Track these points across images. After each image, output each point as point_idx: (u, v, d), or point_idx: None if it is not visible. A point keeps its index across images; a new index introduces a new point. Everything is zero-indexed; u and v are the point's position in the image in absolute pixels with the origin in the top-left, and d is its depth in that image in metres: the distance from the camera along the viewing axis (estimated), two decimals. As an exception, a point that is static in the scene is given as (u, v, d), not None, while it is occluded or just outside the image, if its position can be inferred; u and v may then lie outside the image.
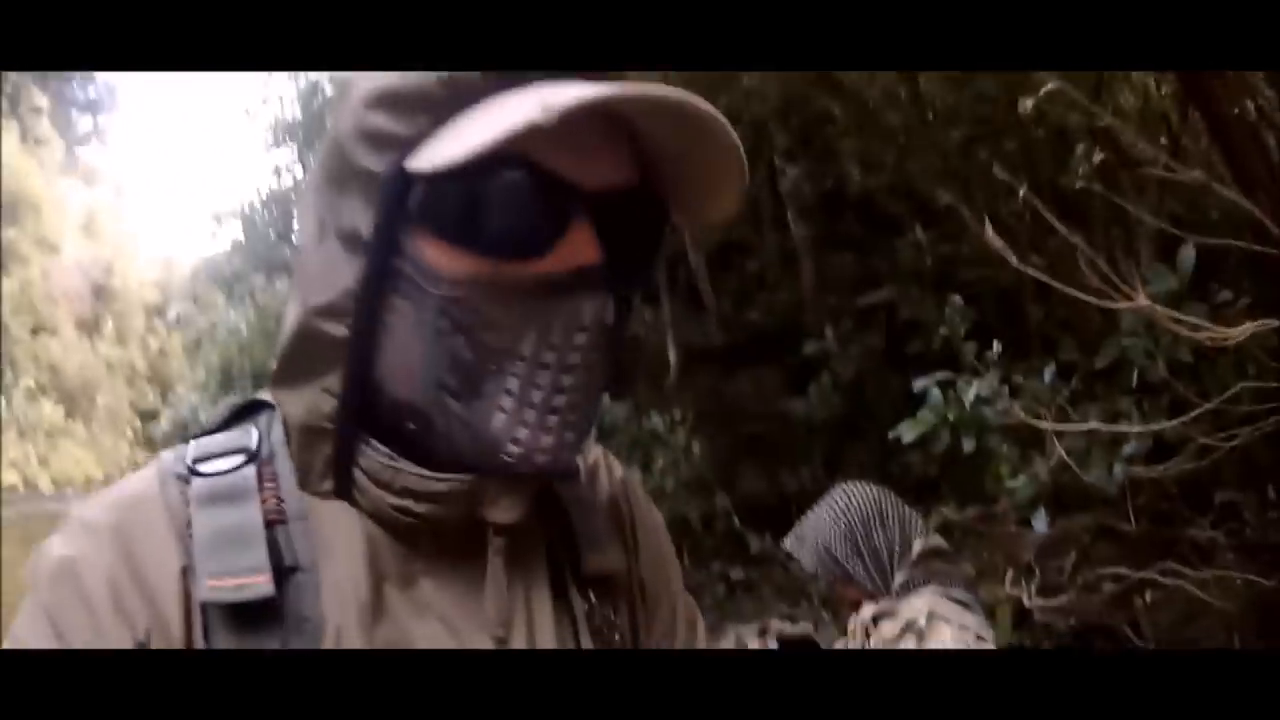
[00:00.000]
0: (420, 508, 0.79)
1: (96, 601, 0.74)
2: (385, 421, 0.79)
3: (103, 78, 33.77)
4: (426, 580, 0.81)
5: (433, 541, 0.81)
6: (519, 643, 0.82)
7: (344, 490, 0.80)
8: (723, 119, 0.73)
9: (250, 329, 12.62)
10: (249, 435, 0.85)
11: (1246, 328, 2.29)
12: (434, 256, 0.74)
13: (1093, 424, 2.89)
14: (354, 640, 0.76)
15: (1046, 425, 2.86)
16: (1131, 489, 3.09)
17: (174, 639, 0.75)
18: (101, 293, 30.47)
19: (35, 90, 29.32)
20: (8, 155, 26.02)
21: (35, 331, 27.46)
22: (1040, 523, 3.00)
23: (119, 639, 0.73)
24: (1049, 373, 3.10)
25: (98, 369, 29.43)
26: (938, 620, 2.35)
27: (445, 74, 0.73)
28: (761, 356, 7.53)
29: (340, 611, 0.77)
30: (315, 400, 0.80)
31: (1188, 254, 2.65)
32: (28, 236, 27.74)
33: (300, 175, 12.66)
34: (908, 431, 3.06)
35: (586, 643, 0.86)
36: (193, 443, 0.85)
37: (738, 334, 8.01)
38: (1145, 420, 2.91)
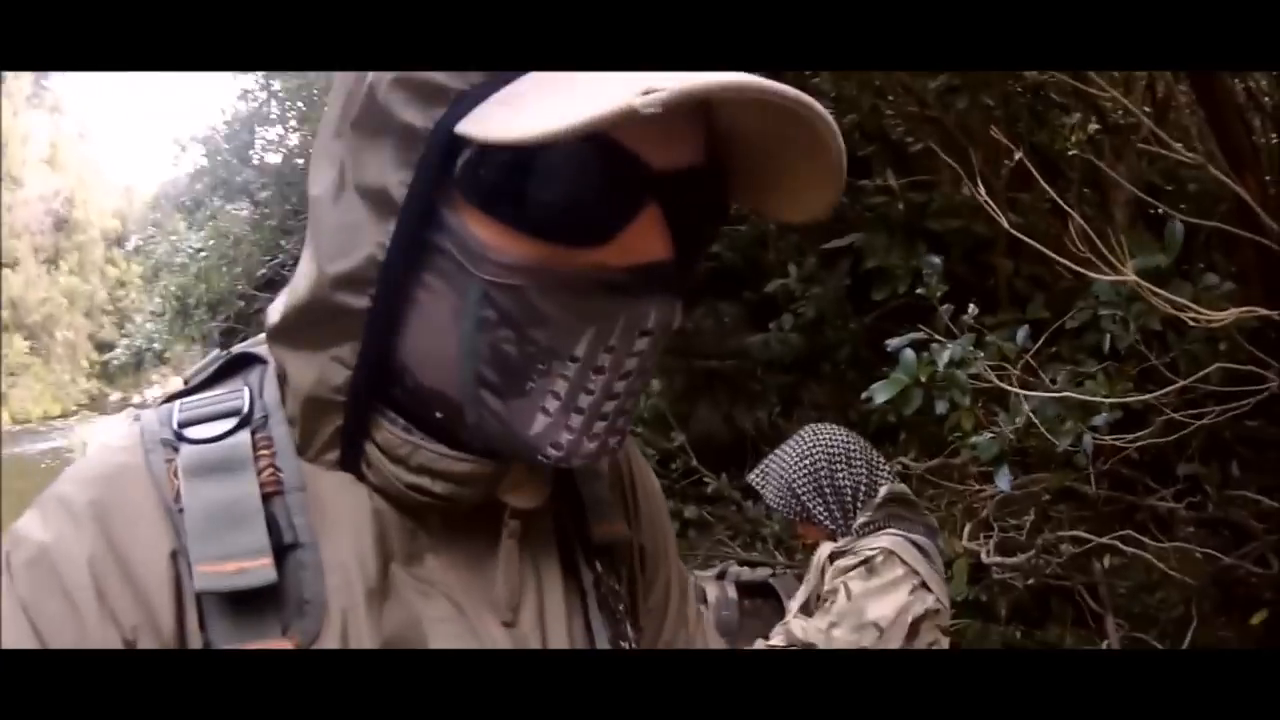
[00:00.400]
0: (437, 487, 0.74)
1: (78, 595, 0.67)
2: (404, 402, 0.74)
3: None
4: (432, 558, 0.76)
5: (441, 519, 0.77)
6: (528, 622, 0.78)
7: (352, 463, 0.76)
8: (829, 120, 0.65)
9: (209, 254, 12.45)
10: (240, 395, 0.78)
11: (1231, 313, 2.25)
12: (483, 234, 0.67)
13: (1066, 392, 2.86)
14: (361, 622, 0.71)
15: (1021, 391, 2.82)
16: (1094, 453, 3.06)
17: (164, 631, 0.68)
18: (63, 225, 30.06)
19: None
20: None
21: None
22: (1004, 480, 2.98)
23: (104, 637, 0.67)
24: (1021, 333, 3.05)
25: (57, 303, 29.10)
26: (893, 558, 2.36)
27: None
28: (722, 292, 7.45)
29: (346, 593, 0.72)
30: (325, 369, 0.73)
31: (1176, 230, 2.59)
32: None
33: (263, 96, 12.46)
34: (880, 392, 3.01)
35: (594, 614, 0.83)
36: (177, 403, 0.78)
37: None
38: (1112, 385, 2.87)
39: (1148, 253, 2.59)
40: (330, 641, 0.70)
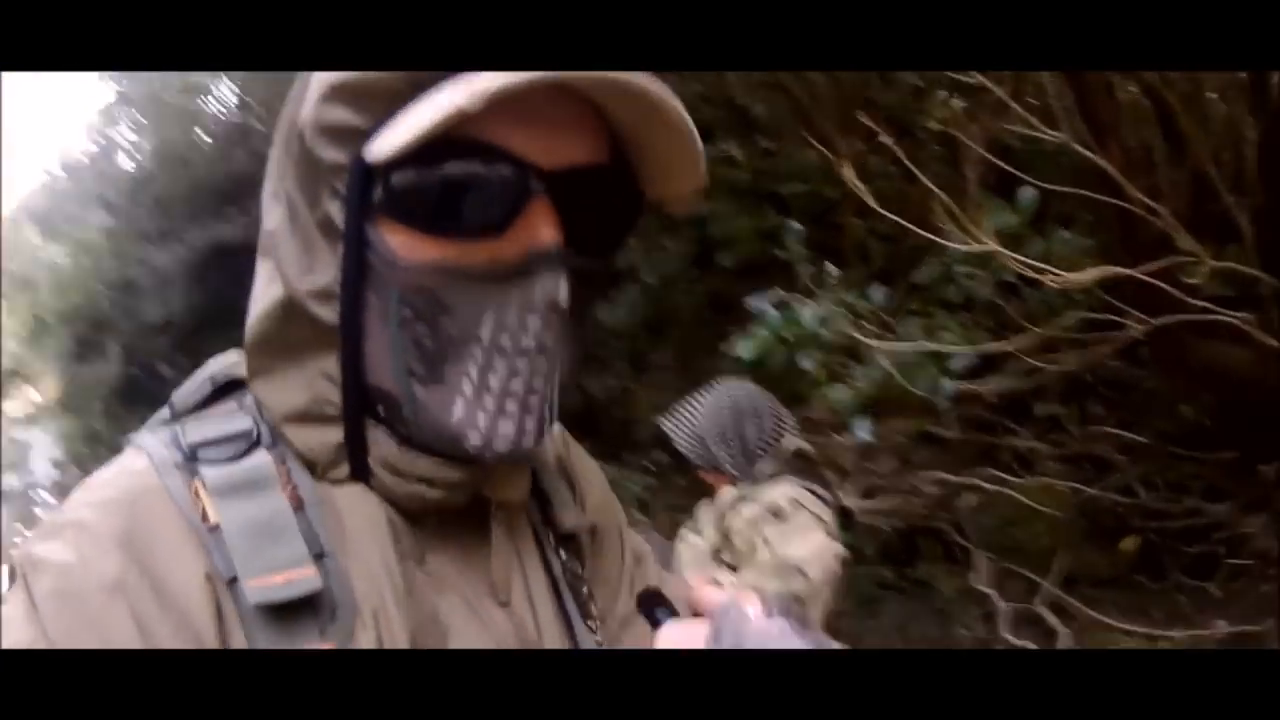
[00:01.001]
0: (433, 494, 0.78)
1: (114, 626, 0.66)
2: (367, 407, 0.78)
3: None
4: (433, 556, 0.80)
5: (436, 518, 0.81)
6: (519, 602, 0.84)
7: (361, 472, 0.78)
8: (666, 94, 0.71)
9: (70, 267, 12.07)
10: (243, 418, 0.80)
11: (1090, 274, 2.33)
12: (396, 243, 0.73)
13: (926, 344, 2.94)
14: (392, 621, 0.74)
15: (884, 345, 2.91)
16: (951, 399, 3.18)
17: None
18: None
19: None
20: None
21: None
22: (863, 430, 3.07)
23: None
24: (880, 293, 3.14)
25: None
26: (800, 506, 2.45)
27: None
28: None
29: (375, 594, 0.74)
30: (316, 388, 0.78)
31: (1027, 194, 2.70)
32: None
33: (119, 109, 12.07)
34: (745, 350, 3.08)
35: (568, 598, 0.88)
36: (178, 428, 0.80)
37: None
38: (967, 333, 2.99)
39: (1001, 214, 2.69)
40: (365, 642, 0.73)
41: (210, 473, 0.75)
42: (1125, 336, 2.80)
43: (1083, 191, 2.90)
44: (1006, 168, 3.03)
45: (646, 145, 0.77)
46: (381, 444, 0.78)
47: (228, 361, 0.86)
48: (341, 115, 0.72)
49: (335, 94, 0.73)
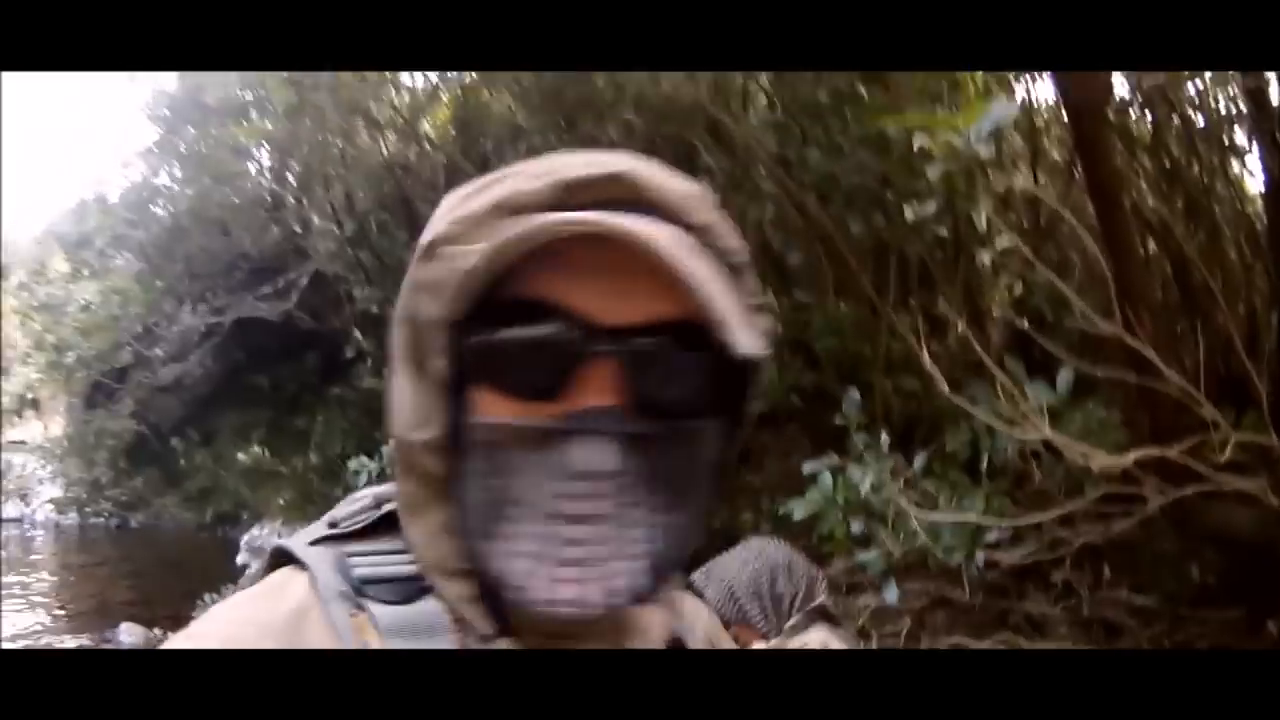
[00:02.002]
0: (566, 643, 0.76)
1: None
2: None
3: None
4: None
5: None
6: None
7: (504, 629, 0.77)
8: (644, 236, 0.69)
9: (97, 310, 12.10)
10: (410, 561, 0.80)
11: (1130, 456, 2.42)
12: (478, 400, 0.74)
13: (970, 516, 3.04)
14: None
15: (932, 516, 2.98)
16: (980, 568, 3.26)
17: None
18: None
19: None
20: None
21: None
22: (891, 594, 3.15)
23: None
24: (919, 459, 3.25)
25: None
26: (834, 646, 2.49)
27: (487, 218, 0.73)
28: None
29: None
30: (440, 545, 0.77)
31: (1066, 376, 2.83)
32: None
33: (161, 157, 12.15)
34: (798, 509, 3.18)
35: None
36: (354, 558, 0.80)
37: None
38: (991, 501, 3.08)
39: (1042, 392, 2.79)
40: None
41: (380, 610, 0.75)
42: (1147, 510, 2.88)
43: (1119, 374, 2.99)
44: (1031, 331, 3.17)
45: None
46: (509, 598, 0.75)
47: (394, 491, 0.85)
48: (436, 272, 0.74)
49: (429, 252, 0.75)
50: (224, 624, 0.74)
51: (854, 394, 3.42)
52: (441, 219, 0.76)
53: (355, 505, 0.85)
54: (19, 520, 14.98)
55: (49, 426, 16.12)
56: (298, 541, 0.82)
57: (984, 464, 3.20)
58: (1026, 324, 3.05)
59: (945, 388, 2.80)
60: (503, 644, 0.76)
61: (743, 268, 0.80)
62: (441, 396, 0.75)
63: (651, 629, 0.83)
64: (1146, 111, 4.20)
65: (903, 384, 4.79)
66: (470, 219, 0.74)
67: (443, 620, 0.76)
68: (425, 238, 0.76)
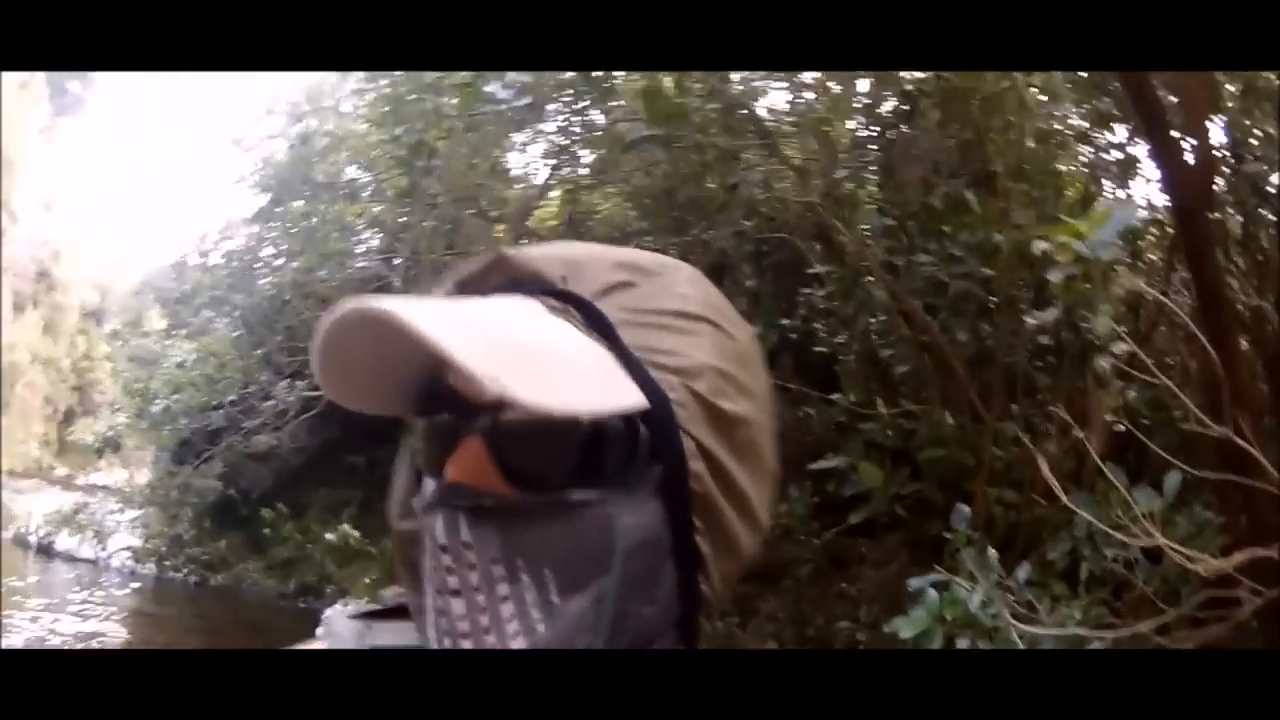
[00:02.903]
0: None
1: None
2: None
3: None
4: None
5: None
6: None
7: None
8: (375, 311, 0.68)
9: (193, 368, 12.38)
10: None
11: (1235, 559, 2.41)
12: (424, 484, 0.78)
13: (1071, 629, 3.04)
14: None
15: (1036, 630, 2.98)
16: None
17: None
18: (44, 277, 29.27)
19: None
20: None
21: None
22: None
23: None
24: (1023, 572, 3.23)
25: (23, 354, 28.04)
26: None
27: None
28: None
29: None
30: (419, 623, 0.80)
31: (1173, 481, 2.82)
32: None
33: (267, 227, 12.49)
34: (905, 629, 3.18)
35: None
36: (370, 629, 0.88)
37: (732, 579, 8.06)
38: (1088, 611, 3.05)
39: (1148, 499, 2.78)
40: None
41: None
42: (1242, 614, 2.83)
43: (1225, 476, 2.98)
44: (1148, 442, 3.15)
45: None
46: None
47: None
48: None
49: None
50: None
51: (964, 509, 3.44)
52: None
53: (394, 589, 0.91)
54: (93, 562, 15.27)
55: (134, 475, 16.45)
56: (337, 612, 0.88)
57: (1083, 573, 3.17)
58: (1131, 429, 3.06)
59: (1063, 496, 2.81)
60: None
61: (655, 327, 0.78)
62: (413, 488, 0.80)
63: None
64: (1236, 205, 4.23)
65: (1003, 495, 4.77)
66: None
67: None
68: None
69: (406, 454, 0.83)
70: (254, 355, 11.93)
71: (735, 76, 5.74)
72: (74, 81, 30.63)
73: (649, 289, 0.79)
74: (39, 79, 27.53)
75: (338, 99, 12.40)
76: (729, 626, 6.59)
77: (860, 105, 5.83)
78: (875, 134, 5.96)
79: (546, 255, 0.81)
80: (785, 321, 6.61)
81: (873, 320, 5.66)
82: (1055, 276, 2.58)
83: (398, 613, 0.88)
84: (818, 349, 6.36)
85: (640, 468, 0.75)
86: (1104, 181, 5.44)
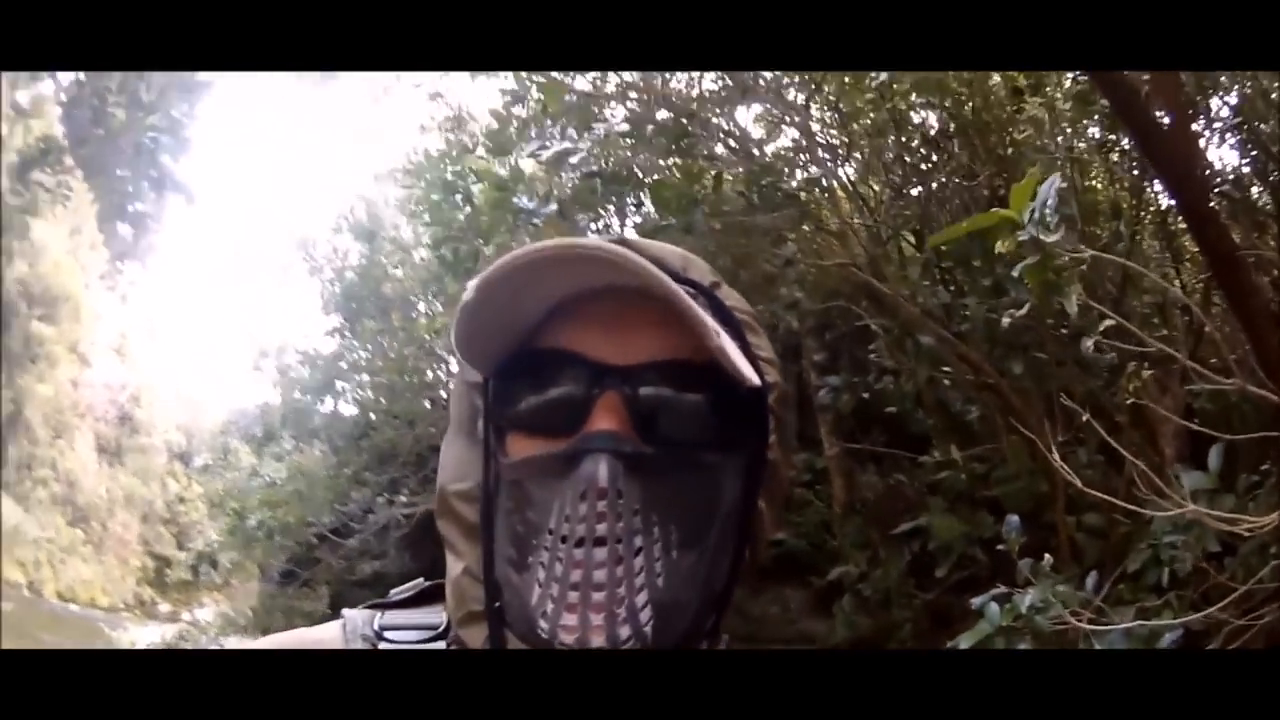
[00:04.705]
0: None
1: None
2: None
3: (150, 193, 33.26)
4: None
5: None
6: None
7: None
8: (635, 262, 0.75)
9: (285, 485, 12.51)
10: (438, 615, 0.90)
11: (1276, 515, 2.41)
12: (509, 444, 0.83)
13: (1140, 622, 3.05)
14: None
15: (1092, 627, 3.00)
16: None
17: None
18: (126, 421, 29.99)
19: (84, 187, 28.16)
20: (55, 248, 25.68)
21: (56, 438, 26.81)
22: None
23: None
24: (1090, 580, 3.25)
25: (115, 495, 28.68)
26: None
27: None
28: (787, 578, 7.54)
29: None
30: (461, 586, 0.85)
31: (1217, 453, 2.84)
32: (64, 338, 27.07)
33: (343, 339, 12.61)
34: (965, 640, 3.25)
35: None
36: (378, 612, 0.90)
37: (763, 554, 8.04)
38: (1176, 615, 3.04)
39: (1195, 479, 2.81)
40: None
41: (385, 649, 0.85)
42: None
43: (1263, 434, 3.00)
44: (1194, 426, 3.09)
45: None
46: (514, 642, 0.81)
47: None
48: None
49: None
50: (262, 644, 0.89)
51: (1013, 519, 3.48)
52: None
53: (409, 583, 0.96)
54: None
55: (236, 598, 16.60)
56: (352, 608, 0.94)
57: (1164, 579, 3.17)
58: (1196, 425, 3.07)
59: (1074, 478, 2.79)
60: None
61: (744, 325, 0.88)
62: (478, 450, 0.84)
63: None
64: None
65: (1084, 520, 4.74)
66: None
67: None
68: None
69: (458, 422, 0.88)
70: (344, 474, 11.98)
71: (768, 151, 5.92)
72: (125, 225, 31.55)
73: (728, 290, 0.89)
74: (90, 225, 28.39)
75: (393, 211, 12.56)
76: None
77: (889, 158, 5.94)
78: (903, 184, 6.05)
79: (663, 246, 0.89)
80: (856, 379, 6.67)
81: (936, 373, 5.69)
82: (1016, 271, 2.60)
83: (408, 604, 0.93)
84: (889, 409, 6.41)
85: (751, 441, 0.84)
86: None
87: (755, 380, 0.77)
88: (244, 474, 14.29)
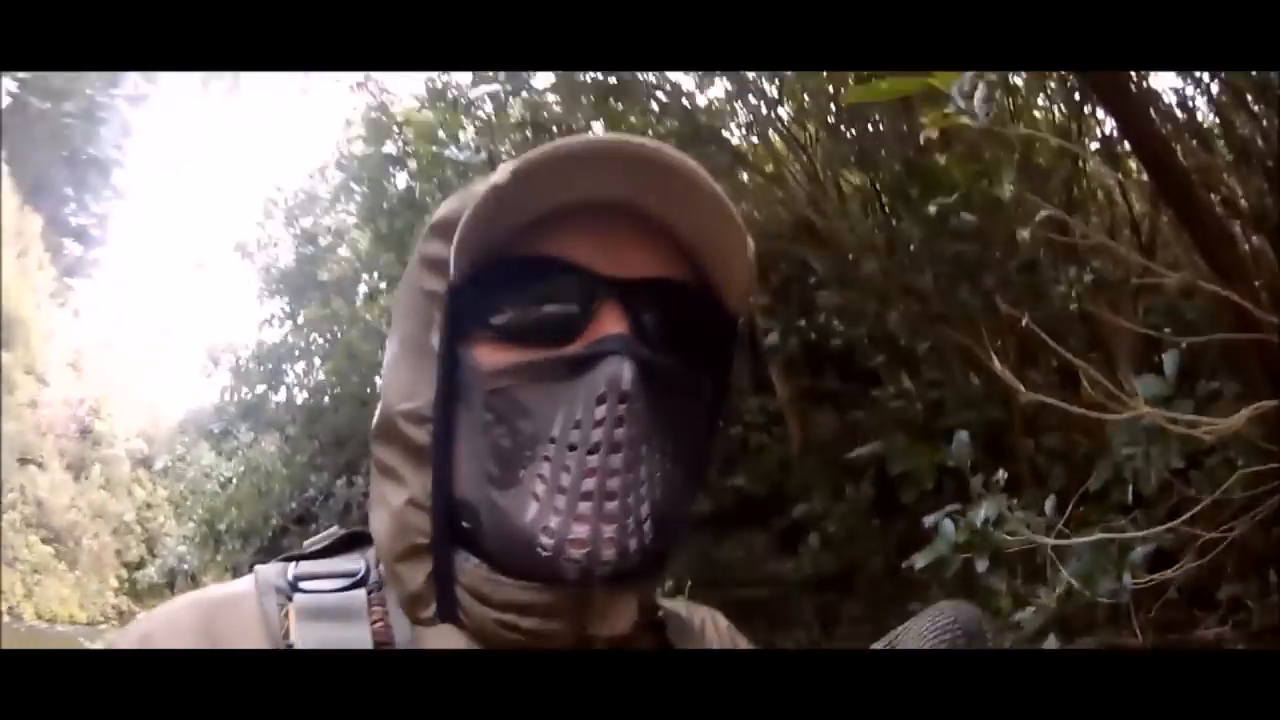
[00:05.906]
0: (525, 622, 0.77)
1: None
2: (478, 542, 0.79)
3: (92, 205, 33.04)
4: None
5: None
6: None
7: (449, 612, 0.79)
8: (696, 169, 0.77)
9: (240, 483, 12.42)
10: (355, 562, 0.85)
11: (1242, 415, 2.38)
12: (480, 354, 0.78)
13: (1099, 535, 3.00)
14: None
15: (1055, 541, 2.96)
16: (1135, 603, 3.17)
17: None
18: (88, 434, 29.76)
19: (28, 209, 28.00)
20: (6, 273, 25.39)
21: (23, 463, 26.58)
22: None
23: None
24: (1049, 503, 3.23)
25: (85, 511, 28.52)
26: None
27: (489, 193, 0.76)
28: (749, 521, 7.55)
29: None
30: (405, 517, 0.80)
31: (1172, 358, 2.81)
32: (19, 363, 26.75)
33: (290, 328, 12.45)
34: (920, 559, 3.18)
35: None
36: (293, 563, 0.84)
37: (724, 500, 8.08)
38: (1140, 528, 3.02)
39: (1150, 386, 2.78)
40: None
41: (302, 599, 0.79)
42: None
43: (1220, 336, 2.99)
44: (1149, 332, 3.08)
45: (698, 239, 0.80)
46: (469, 570, 0.78)
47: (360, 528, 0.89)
48: (439, 249, 0.79)
49: (435, 230, 0.81)
50: (179, 602, 0.82)
51: (962, 435, 3.43)
52: (445, 205, 0.83)
53: (323, 533, 0.91)
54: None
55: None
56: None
57: (1129, 497, 3.15)
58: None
59: (1020, 387, 2.75)
60: (444, 629, 0.79)
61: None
62: (432, 366, 0.79)
63: (619, 617, 0.81)
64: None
65: (1044, 442, 4.75)
66: (471, 195, 0.79)
67: (359, 606, 0.79)
68: (432, 219, 0.83)
69: (405, 336, 0.83)
70: (296, 463, 11.92)
71: (701, 103, 5.85)
72: (71, 241, 31.16)
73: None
74: (37, 246, 28.06)
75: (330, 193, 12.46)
76: (812, 636, 6.59)
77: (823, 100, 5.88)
78: (838, 123, 6.00)
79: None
80: (804, 321, 6.64)
81: (883, 306, 5.67)
82: (943, 158, 2.51)
83: (324, 554, 0.88)
84: (836, 345, 6.40)
85: (720, 367, 0.84)
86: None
87: (747, 306, 0.80)
88: (202, 471, 14.19)
